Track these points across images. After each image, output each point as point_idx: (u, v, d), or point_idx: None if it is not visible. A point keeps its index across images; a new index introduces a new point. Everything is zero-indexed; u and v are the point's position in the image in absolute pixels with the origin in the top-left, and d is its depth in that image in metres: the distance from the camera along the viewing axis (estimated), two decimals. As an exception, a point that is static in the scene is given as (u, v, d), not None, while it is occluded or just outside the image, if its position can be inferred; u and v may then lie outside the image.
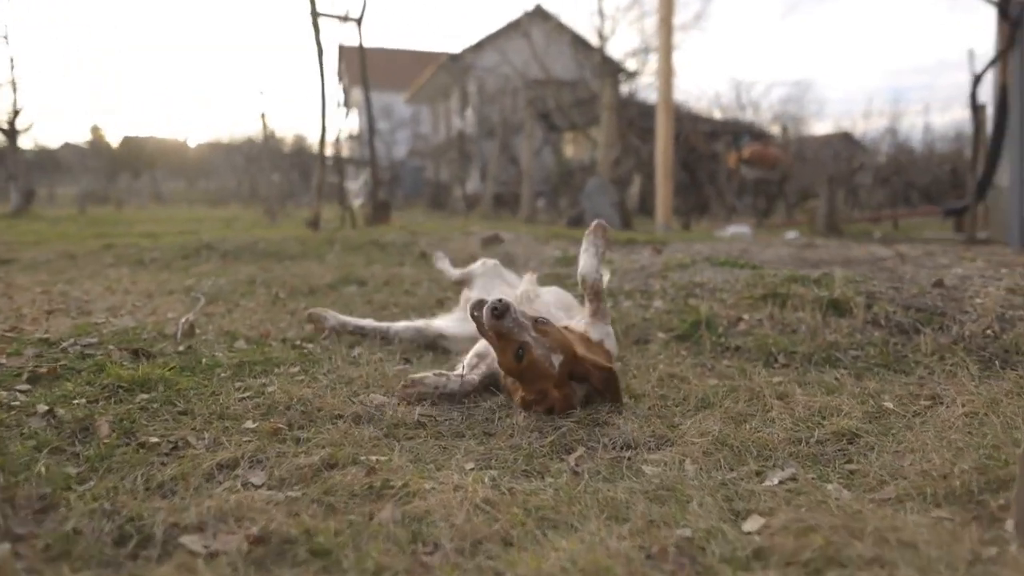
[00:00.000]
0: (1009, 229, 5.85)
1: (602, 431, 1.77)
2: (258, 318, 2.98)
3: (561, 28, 19.63)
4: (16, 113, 14.60)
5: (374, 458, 1.56)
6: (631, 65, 17.93)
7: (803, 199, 12.85)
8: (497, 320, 1.80)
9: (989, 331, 2.31)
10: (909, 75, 52.76)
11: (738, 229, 8.95)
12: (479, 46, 22.20)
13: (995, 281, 2.85)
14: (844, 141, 18.70)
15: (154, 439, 1.61)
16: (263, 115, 18.60)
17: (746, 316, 2.69)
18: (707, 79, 54.23)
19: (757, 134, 16.89)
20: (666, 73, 8.37)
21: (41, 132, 41.42)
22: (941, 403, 1.86)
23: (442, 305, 3.31)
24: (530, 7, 20.50)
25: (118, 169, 26.75)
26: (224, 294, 3.49)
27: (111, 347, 2.28)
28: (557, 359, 1.82)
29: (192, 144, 34.59)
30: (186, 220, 11.88)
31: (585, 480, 1.48)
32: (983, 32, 46.15)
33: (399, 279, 3.85)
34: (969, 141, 8.75)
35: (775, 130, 18.24)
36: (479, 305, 1.87)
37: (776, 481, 1.44)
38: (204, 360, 2.23)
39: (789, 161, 13.76)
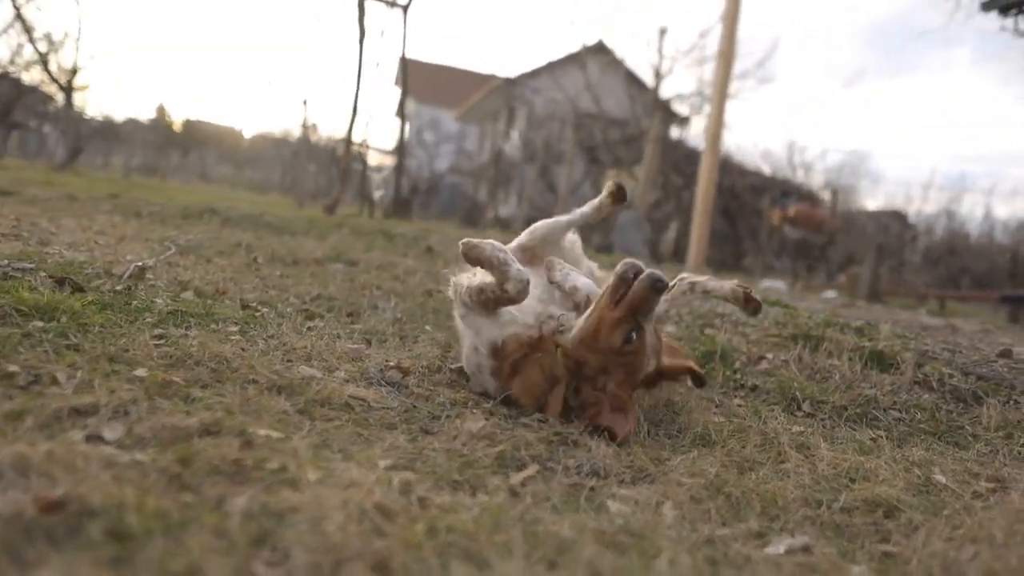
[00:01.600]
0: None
1: (568, 451, 1.42)
2: (223, 276, 2.71)
3: (616, 63, 19.53)
4: (75, 72, 15.00)
5: (263, 432, 1.22)
6: (683, 109, 17.68)
7: (847, 264, 12.22)
8: (654, 294, 1.51)
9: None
10: (971, 162, 50.92)
11: (772, 283, 8.45)
12: (535, 72, 22.32)
13: (1072, 363, 2.38)
14: (894, 218, 17.99)
15: (14, 368, 1.35)
16: (305, 102, 18.80)
17: (769, 355, 2.30)
18: (760, 135, 53.71)
19: (805, 195, 16.33)
20: (719, 106, 8.02)
21: (109, 104, 43.22)
22: (1008, 488, 1.46)
23: (431, 296, 2.97)
24: (591, 41, 20.54)
25: (168, 146, 27.53)
26: (200, 250, 3.23)
27: (42, 274, 2.05)
28: (651, 363, 1.59)
29: (247, 134, 35.59)
30: (217, 198, 11.92)
31: (526, 504, 1.12)
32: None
33: (394, 266, 3.55)
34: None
35: (825, 195, 17.63)
36: (635, 267, 1.55)
37: (782, 549, 1.06)
38: (135, 303, 1.97)
39: (837, 225, 13.16)
